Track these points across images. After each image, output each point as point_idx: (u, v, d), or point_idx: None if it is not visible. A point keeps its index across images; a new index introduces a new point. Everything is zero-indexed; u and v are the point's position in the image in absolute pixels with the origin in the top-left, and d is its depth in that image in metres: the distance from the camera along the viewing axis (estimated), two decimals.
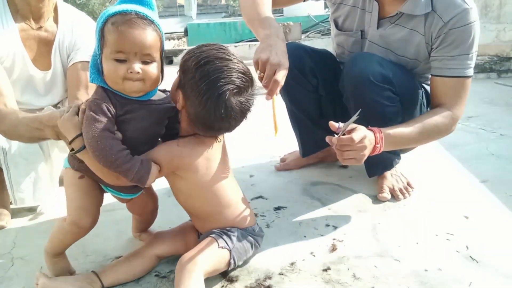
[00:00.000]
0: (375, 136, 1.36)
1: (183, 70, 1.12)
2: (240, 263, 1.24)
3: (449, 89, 1.53)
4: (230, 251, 1.19)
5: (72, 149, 1.13)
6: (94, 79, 1.10)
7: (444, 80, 1.53)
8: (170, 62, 5.83)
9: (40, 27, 1.66)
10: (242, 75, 1.11)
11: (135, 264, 1.23)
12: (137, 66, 1.04)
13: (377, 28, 1.62)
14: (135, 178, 1.08)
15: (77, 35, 1.71)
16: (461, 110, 1.54)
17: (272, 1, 1.64)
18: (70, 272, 1.24)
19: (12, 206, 1.69)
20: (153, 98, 1.15)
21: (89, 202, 1.18)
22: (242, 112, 1.13)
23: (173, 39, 11.33)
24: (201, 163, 1.18)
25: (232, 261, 1.19)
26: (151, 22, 1.07)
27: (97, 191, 1.20)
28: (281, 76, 1.26)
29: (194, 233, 1.31)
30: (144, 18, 1.06)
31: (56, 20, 1.70)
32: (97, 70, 1.10)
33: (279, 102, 1.73)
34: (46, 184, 1.69)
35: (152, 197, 1.37)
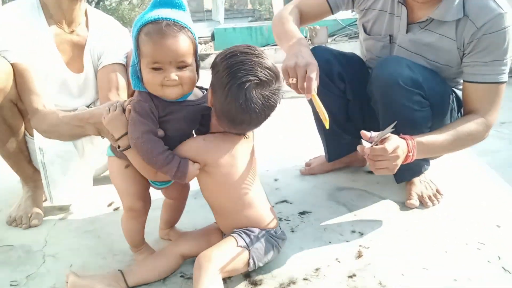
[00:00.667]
0: (407, 144, 1.34)
1: (212, 66, 1.15)
2: (261, 264, 1.23)
3: (482, 95, 1.49)
4: (249, 250, 1.19)
5: (118, 146, 1.21)
6: (136, 86, 1.17)
7: (477, 86, 1.49)
8: None
9: (72, 31, 1.72)
10: (266, 69, 1.11)
11: (160, 264, 1.25)
12: (173, 74, 1.09)
13: (406, 32, 1.59)
14: (174, 178, 1.16)
15: (107, 39, 1.76)
16: (494, 117, 1.49)
17: (301, 19, 1.72)
18: None
19: (45, 205, 1.75)
20: (190, 97, 1.21)
21: (137, 187, 1.26)
22: (265, 106, 1.11)
23: (200, 43, 11.48)
24: (226, 160, 1.20)
25: (251, 260, 1.19)
26: (183, 27, 1.09)
27: (142, 176, 1.25)
28: (313, 73, 1.31)
29: (218, 234, 1.32)
30: (175, 24, 1.08)
31: (86, 25, 1.77)
32: (137, 77, 1.15)
33: (303, 103, 1.73)
34: (81, 182, 1.75)
35: (187, 183, 1.41)
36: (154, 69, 1.09)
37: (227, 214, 1.27)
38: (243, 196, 1.24)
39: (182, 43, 1.09)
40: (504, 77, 1.47)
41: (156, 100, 1.16)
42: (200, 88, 1.26)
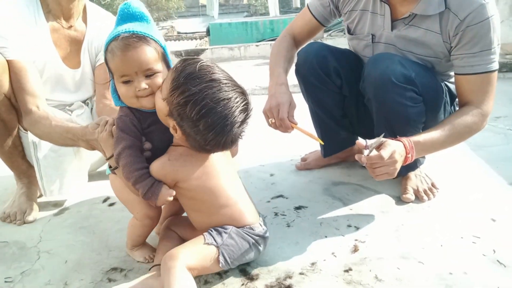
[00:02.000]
0: (404, 147, 1.34)
1: (179, 114, 1.09)
2: (236, 263, 1.20)
3: (475, 86, 1.48)
4: (218, 247, 1.16)
5: (109, 165, 1.23)
6: (117, 102, 1.21)
7: (468, 78, 1.48)
8: None
9: (70, 26, 1.71)
10: (243, 106, 1.11)
11: (175, 241, 1.29)
12: (143, 84, 1.12)
13: (392, 30, 1.59)
14: (145, 197, 1.14)
15: (105, 35, 1.74)
16: (489, 106, 1.49)
17: (296, 42, 1.80)
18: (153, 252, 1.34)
19: (40, 200, 1.74)
20: None
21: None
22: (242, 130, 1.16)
23: (195, 38, 11.42)
24: (196, 171, 1.18)
25: (221, 258, 1.16)
26: (143, 36, 1.11)
27: None
28: (284, 112, 1.47)
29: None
30: (135, 35, 1.10)
31: (85, 20, 1.76)
32: (117, 94, 1.19)
33: (299, 101, 1.73)
34: (75, 177, 1.74)
35: None
36: (125, 82, 1.12)
37: (202, 216, 1.24)
38: (218, 198, 1.21)
39: (143, 52, 1.10)
40: (494, 65, 1.46)
41: (137, 113, 1.18)
42: None
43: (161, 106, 1.13)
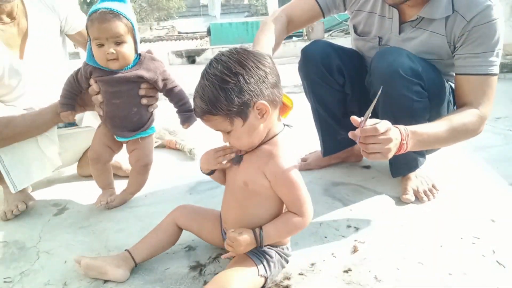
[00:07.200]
0: (400, 132, 1.30)
1: (240, 95, 1.03)
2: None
3: (475, 87, 1.48)
4: (266, 279, 1.16)
5: None
6: (89, 60, 1.49)
7: (469, 78, 1.49)
8: (193, 61, 5.87)
9: (14, 19, 1.69)
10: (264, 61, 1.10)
11: (161, 238, 1.30)
12: (111, 49, 1.43)
13: (399, 33, 1.60)
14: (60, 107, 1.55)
15: (50, 16, 1.78)
16: (488, 109, 1.49)
17: (289, 25, 1.68)
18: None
19: (39, 199, 1.74)
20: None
21: (95, 144, 1.66)
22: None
23: (196, 38, 11.42)
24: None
25: (265, 285, 1.17)
26: (117, 13, 1.42)
27: (105, 137, 1.64)
28: None
29: (217, 225, 1.30)
30: (110, 12, 1.41)
31: (24, 14, 1.72)
32: (91, 54, 1.48)
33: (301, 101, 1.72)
34: (42, 165, 1.70)
35: (146, 155, 1.67)
36: (98, 45, 1.43)
37: (261, 215, 1.17)
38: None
39: (115, 25, 1.41)
40: (495, 70, 1.47)
41: (91, 67, 1.49)
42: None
43: (240, 132, 1.09)
